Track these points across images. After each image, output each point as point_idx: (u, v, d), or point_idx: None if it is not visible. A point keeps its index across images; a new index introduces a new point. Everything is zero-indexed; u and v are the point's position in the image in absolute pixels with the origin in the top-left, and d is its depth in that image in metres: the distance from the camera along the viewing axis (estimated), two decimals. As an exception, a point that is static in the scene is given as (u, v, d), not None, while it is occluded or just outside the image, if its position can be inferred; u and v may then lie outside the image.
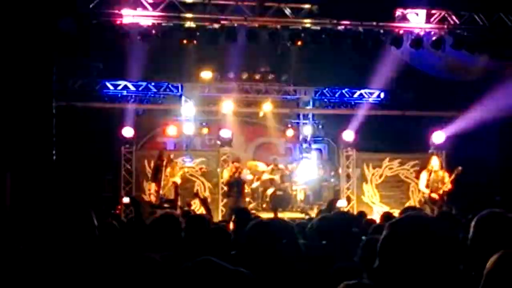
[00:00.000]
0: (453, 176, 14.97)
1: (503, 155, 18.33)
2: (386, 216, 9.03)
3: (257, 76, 19.70)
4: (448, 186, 14.99)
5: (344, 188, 17.83)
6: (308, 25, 15.75)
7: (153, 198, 15.33)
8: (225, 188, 16.75)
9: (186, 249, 5.45)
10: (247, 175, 17.29)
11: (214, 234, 5.84)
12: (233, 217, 8.63)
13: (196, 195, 15.39)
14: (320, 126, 21.27)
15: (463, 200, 15.30)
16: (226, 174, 16.48)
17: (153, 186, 15.45)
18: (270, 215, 14.87)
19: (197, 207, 16.20)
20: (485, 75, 17.08)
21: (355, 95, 20.36)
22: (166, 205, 14.63)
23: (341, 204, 15.87)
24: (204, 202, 11.24)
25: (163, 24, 15.43)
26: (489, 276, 2.41)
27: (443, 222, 2.68)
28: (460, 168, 14.96)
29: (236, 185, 16.30)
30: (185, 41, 15.93)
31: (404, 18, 16.04)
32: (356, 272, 3.51)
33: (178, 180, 15.47)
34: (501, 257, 2.45)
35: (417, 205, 15.71)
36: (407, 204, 16.42)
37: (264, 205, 17.85)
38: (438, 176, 15.13)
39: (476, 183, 17.14)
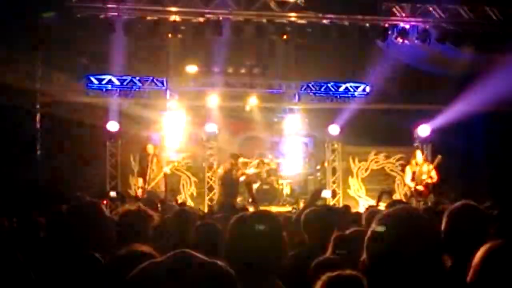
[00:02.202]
0: (434, 164, 15.05)
1: (488, 148, 18.41)
2: (371, 210, 9.00)
3: (243, 70, 19.65)
4: (433, 177, 15.04)
5: (330, 181, 17.88)
6: (293, 19, 15.75)
7: (139, 193, 15.24)
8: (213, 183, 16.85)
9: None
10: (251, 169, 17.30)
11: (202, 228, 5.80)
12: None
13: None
14: (306, 120, 21.26)
15: (450, 192, 15.38)
16: (221, 170, 16.46)
17: (139, 181, 15.36)
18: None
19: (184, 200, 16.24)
20: (470, 68, 17.15)
21: (341, 89, 20.33)
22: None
23: (326, 194, 15.80)
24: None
25: (148, 18, 15.38)
26: (482, 271, 2.42)
27: (428, 217, 2.69)
28: (440, 156, 15.07)
29: (230, 182, 16.29)
30: (170, 35, 15.91)
31: (389, 11, 16.07)
32: (336, 266, 3.51)
33: (167, 170, 15.35)
34: (490, 250, 2.45)
35: (403, 199, 15.76)
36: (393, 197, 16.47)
37: (250, 200, 17.82)
38: (422, 169, 15.18)
39: (462, 175, 17.23)
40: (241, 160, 18.56)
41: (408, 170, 15.45)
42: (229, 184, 16.19)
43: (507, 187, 16.09)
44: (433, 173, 15.07)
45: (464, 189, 15.69)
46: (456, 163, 16.62)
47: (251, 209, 12.07)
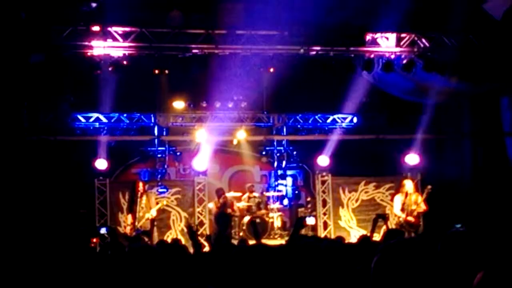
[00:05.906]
0: (424, 196, 15.01)
1: (476, 176, 18.46)
2: (364, 239, 8.97)
3: (230, 104, 19.70)
4: (422, 206, 15.00)
5: (321, 213, 17.83)
6: (279, 52, 15.85)
7: (128, 230, 15.16)
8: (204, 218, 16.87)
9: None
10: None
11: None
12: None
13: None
14: (294, 153, 21.29)
15: (439, 221, 15.41)
16: (212, 206, 16.59)
17: (129, 218, 15.27)
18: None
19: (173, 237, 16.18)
20: (456, 96, 17.28)
21: (328, 120, 20.40)
22: (143, 237, 14.47)
23: (310, 221, 15.73)
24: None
25: (134, 55, 15.45)
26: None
27: (424, 245, 2.76)
28: (429, 186, 15.03)
29: (222, 217, 16.35)
30: (156, 71, 15.96)
31: (374, 42, 16.20)
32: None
33: (154, 213, 15.27)
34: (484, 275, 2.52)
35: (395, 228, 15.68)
36: (384, 227, 16.43)
37: (241, 233, 17.75)
38: (412, 199, 15.10)
39: (451, 203, 17.24)
40: (231, 194, 18.59)
41: (397, 199, 15.36)
42: (221, 219, 16.27)
43: (495, 213, 16.15)
44: (422, 203, 15.01)
45: (452, 217, 15.77)
46: (444, 191, 16.63)
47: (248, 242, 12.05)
